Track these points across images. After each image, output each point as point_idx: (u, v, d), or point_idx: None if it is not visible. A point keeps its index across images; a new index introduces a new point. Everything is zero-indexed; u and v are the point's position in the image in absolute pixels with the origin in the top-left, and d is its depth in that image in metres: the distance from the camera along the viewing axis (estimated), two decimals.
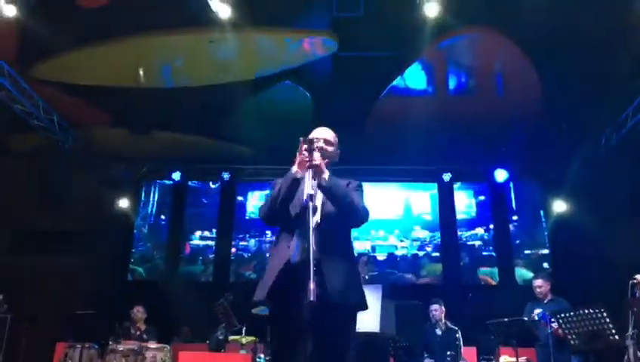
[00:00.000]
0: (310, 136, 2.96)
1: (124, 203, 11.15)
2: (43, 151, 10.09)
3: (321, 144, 2.95)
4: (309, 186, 2.68)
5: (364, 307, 2.82)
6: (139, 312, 8.13)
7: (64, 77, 8.64)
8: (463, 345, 7.00)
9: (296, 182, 2.79)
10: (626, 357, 5.13)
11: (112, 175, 11.14)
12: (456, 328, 7.10)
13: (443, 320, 7.21)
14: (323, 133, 3.06)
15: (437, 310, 7.23)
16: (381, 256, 11.01)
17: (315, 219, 2.78)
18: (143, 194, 11.85)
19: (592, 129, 9.46)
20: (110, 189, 10.96)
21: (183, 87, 9.00)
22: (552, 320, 5.84)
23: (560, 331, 5.49)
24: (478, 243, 11.29)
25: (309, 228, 2.59)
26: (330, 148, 3.01)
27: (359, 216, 2.85)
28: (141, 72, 8.64)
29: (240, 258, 11.30)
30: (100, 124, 10.04)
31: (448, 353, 6.78)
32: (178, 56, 8.50)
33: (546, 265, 10.84)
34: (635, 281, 5.06)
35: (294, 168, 2.81)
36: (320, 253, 2.68)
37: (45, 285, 9.64)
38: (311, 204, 2.63)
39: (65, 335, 7.30)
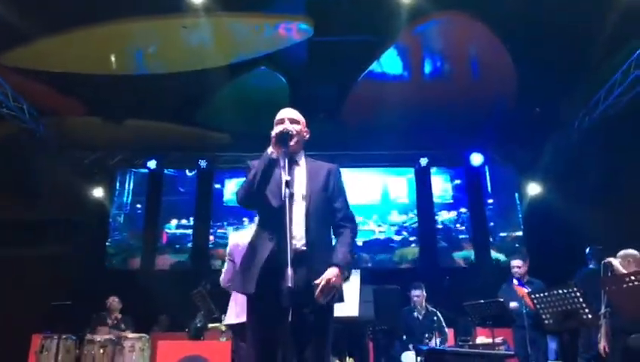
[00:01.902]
0: (277, 118, 2.97)
1: (98, 192, 11.03)
2: (14, 140, 9.87)
3: (288, 126, 2.91)
4: (285, 171, 2.67)
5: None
6: (114, 302, 8.07)
7: (35, 64, 8.44)
8: None
9: (273, 163, 2.75)
10: (599, 334, 5.26)
11: (86, 164, 10.98)
12: (435, 310, 7.17)
13: (423, 304, 7.26)
14: (288, 113, 3.02)
15: (419, 296, 7.23)
16: (359, 241, 11.07)
17: (301, 208, 2.77)
18: (117, 183, 11.72)
19: (565, 113, 9.59)
20: (84, 178, 10.81)
21: (158, 74, 8.87)
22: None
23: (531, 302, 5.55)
24: (454, 226, 11.42)
25: (286, 214, 2.56)
26: (297, 127, 2.96)
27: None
28: (113, 59, 8.49)
29: (218, 245, 11.25)
30: (73, 112, 9.85)
31: (427, 335, 6.85)
32: (151, 43, 8.36)
33: (518, 246, 11.02)
34: (608, 262, 5.17)
35: (270, 149, 2.79)
36: (309, 243, 2.70)
37: (19, 276, 9.49)
38: (288, 190, 2.60)
39: (41, 326, 7.20)
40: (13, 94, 8.73)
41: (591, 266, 6.39)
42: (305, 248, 2.71)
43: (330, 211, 2.91)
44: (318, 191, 2.86)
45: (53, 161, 9.92)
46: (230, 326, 4.29)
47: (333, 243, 2.90)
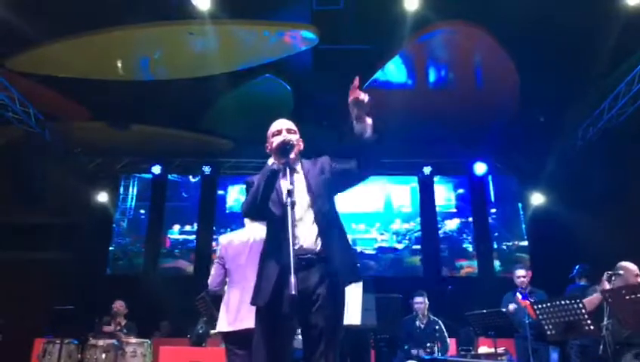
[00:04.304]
0: (273, 129, 2.97)
1: (102, 197, 11.06)
2: (20, 143, 9.92)
3: (289, 136, 2.92)
4: (287, 180, 2.68)
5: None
6: (120, 307, 8.06)
7: (41, 69, 8.49)
8: None
9: (276, 174, 2.75)
10: (601, 346, 5.23)
11: (91, 169, 11.02)
12: (437, 319, 7.15)
13: (426, 313, 7.24)
14: (285, 124, 3.02)
15: (421, 303, 7.21)
16: (362, 250, 11.06)
17: (309, 214, 2.77)
18: (122, 188, 11.75)
19: (570, 123, 9.59)
20: (88, 183, 10.85)
21: (163, 80, 8.91)
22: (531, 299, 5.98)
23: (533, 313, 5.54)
24: (457, 235, 11.40)
25: (289, 223, 2.56)
26: (295, 137, 2.96)
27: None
28: (119, 65, 8.54)
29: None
30: (78, 117, 9.89)
31: (428, 344, 6.82)
32: (157, 49, 8.41)
33: (520, 255, 10.99)
34: (610, 273, 5.15)
35: (271, 160, 2.80)
36: (325, 245, 2.71)
37: (23, 280, 9.51)
38: (290, 199, 2.61)
39: (43, 330, 7.20)
40: (20, 98, 8.78)
41: (581, 283, 6.40)
42: (320, 252, 2.71)
43: (332, 200, 2.91)
44: (320, 192, 2.85)
45: (58, 166, 9.96)
46: (222, 334, 4.17)
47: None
